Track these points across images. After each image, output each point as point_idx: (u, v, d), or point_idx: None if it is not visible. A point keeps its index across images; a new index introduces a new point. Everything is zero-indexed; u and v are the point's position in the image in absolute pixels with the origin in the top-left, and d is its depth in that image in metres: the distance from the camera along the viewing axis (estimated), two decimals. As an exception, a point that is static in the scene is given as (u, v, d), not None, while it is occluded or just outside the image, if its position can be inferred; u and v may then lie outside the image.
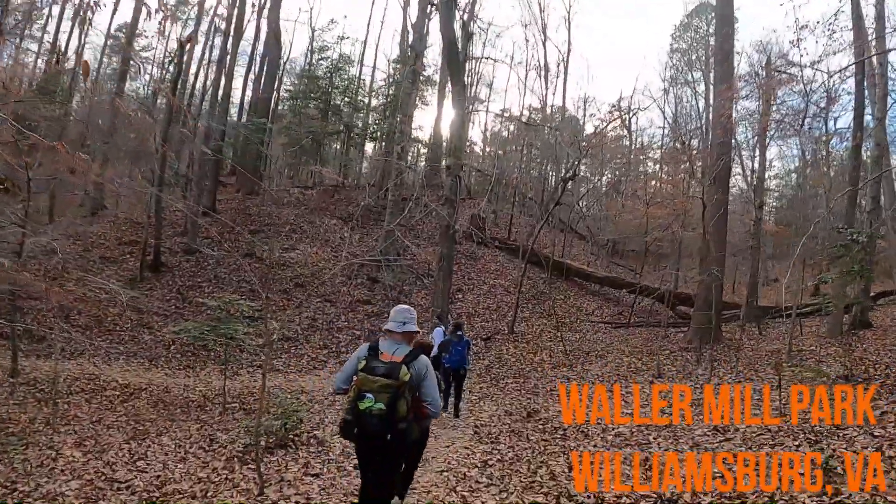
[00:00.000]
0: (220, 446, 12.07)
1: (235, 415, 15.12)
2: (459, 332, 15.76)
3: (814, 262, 37.83)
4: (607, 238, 47.39)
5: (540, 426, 13.53)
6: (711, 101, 35.43)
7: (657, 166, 54.81)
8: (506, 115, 56.20)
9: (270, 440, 11.66)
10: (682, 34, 55.63)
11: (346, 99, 46.85)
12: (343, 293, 27.67)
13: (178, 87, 32.58)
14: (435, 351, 14.05)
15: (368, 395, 5.84)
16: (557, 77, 53.74)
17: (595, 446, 11.37)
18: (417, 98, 44.41)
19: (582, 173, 31.16)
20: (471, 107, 45.93)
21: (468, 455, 11.49)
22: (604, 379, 19.04)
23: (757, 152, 35.77)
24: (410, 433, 6.03)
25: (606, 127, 33.19)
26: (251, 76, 45.61)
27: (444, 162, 34.83)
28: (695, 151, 38.52)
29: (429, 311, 23.80)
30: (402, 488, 7.99)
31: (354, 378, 6.05)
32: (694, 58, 52.57)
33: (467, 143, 50.18)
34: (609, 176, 55.88)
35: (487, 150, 61.33)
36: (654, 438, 11.37)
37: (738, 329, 23.55)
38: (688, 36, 54.27)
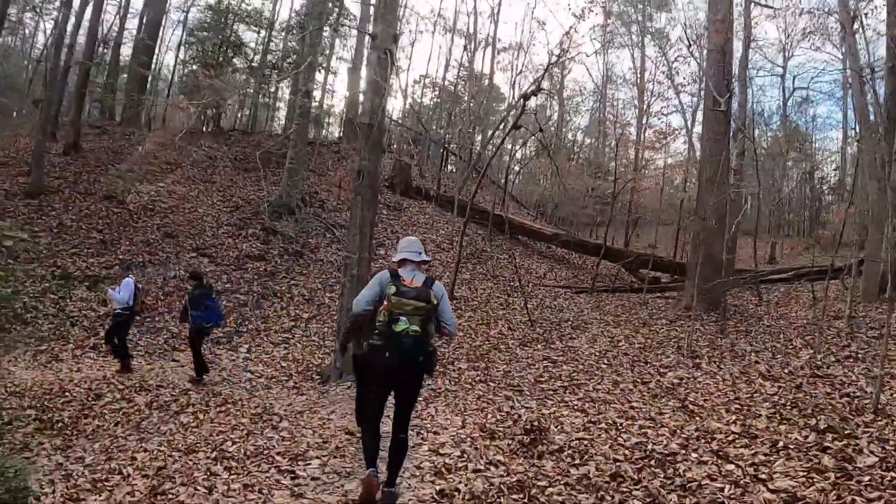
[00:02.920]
0: None
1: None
2: (205, 283, 13.32)
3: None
4: (549, 204, 42.71)
5: (578, 470, 6.51)
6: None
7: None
8: (427, 80, 50.33)
9: None
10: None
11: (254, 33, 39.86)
12: (228, 246, 20.16)
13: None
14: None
15: (403, 318, 5.60)
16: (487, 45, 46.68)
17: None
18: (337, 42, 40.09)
19: (545, 92, 24.39)
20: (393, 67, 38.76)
21: None
22: (610, 362, 12.44)
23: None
24: (436, 354, 6.09)
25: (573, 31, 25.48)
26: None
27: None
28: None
29: (340, 269, 17.28)
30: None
31: (385, 302, 5.65)
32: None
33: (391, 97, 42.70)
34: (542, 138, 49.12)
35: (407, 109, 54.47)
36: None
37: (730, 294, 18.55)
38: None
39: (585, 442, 7.22)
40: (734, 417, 7.75)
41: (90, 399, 10.83)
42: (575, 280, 24.75)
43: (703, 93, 21.54)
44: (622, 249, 26.43)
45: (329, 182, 24.69)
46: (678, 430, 7.46)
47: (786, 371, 10.26)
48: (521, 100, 18.67)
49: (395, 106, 50.59)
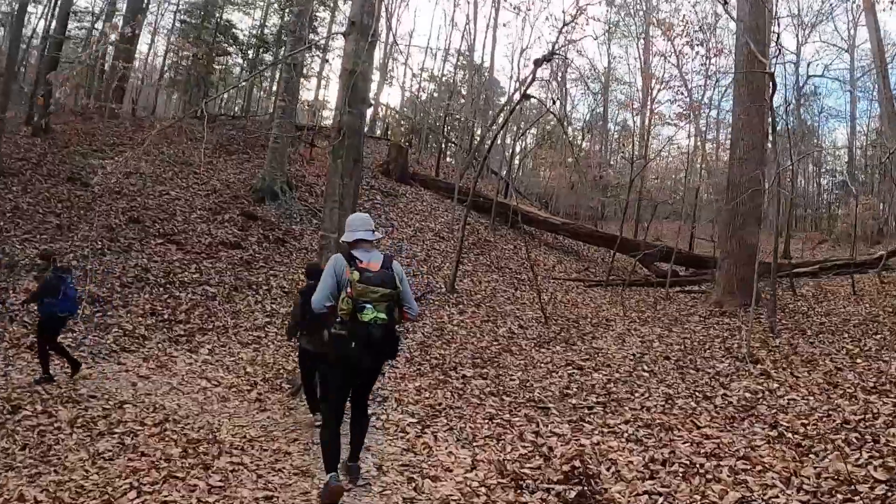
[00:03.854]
0: None
1: None
2: (59, 265, 11.15)
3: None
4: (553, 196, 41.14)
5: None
6: None
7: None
8: (426, 73, 47.16)
9: None
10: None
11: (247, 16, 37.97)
12: (200, 232, 17.62)
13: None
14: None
15: (368, 305, 5.23)
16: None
17: None
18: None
19: (559, 58, 21.88)
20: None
21: None
22: (651, 368, 10.06)
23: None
24: (401, 339, 5.96)
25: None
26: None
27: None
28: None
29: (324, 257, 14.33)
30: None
31: (348, 290, 5.24)
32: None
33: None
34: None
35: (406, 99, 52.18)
36: None
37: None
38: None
39: (660, 498, 4.74)
40: (865, 455, 5.30)
41: (4, 412, 8.34)
42: (586, 273, 22.37)
43: (734, 57, 18.89)
44: (637, 241, 23.82)
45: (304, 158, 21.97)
46: (792, 476, 5.03)
47: (884, 380, 7.84)
48: (534, 66, 16.18)
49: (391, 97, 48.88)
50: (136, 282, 14.55)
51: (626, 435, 6.70)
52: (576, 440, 6.49)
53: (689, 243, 27.87)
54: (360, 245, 5.59)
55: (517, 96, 19.77)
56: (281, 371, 10.74)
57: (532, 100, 17.32)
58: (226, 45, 35.41)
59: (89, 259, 15.03)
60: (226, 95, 39.61)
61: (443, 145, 36.81)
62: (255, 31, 37.25)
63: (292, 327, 8.63)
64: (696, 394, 8.20)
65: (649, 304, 16.88)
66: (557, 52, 15.98)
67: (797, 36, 37.58)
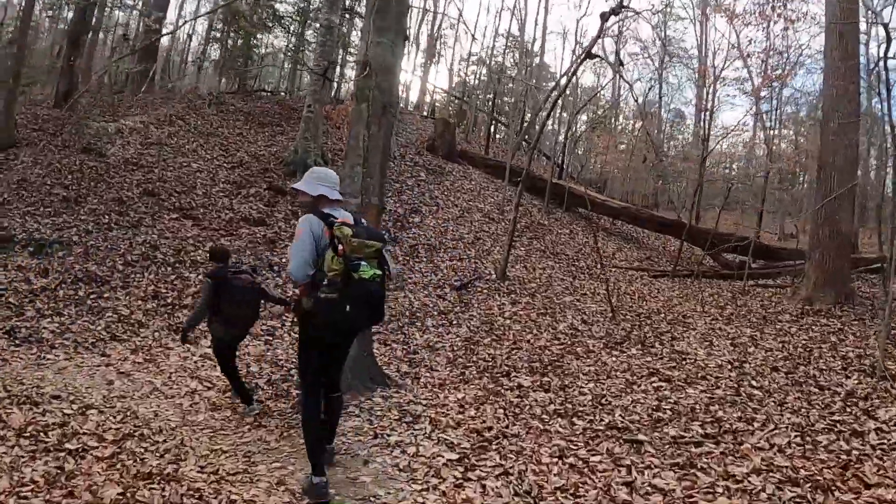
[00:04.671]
0: None
1: None
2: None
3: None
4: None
5: None
6: None
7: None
8: (474, 57, 45.96)
9: None
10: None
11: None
12: (220, 207, 15.75)
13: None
14: None
15: (363, 262, 4.69)
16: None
17: None
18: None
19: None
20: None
21: None
22: (759, 383, 7.78)
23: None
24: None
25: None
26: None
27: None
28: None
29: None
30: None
31: (340, 248, 4.63)
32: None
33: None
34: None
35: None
36: None
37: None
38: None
39: None
40: None
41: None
42: (649, 262, 20.15)
43: (825, 14, 16.25)
44: (707, 229, 21.42)
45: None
46: None
47: None
48: (601, 20, 13.90)
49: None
50: (141, 260, 12.79)
51: (764, 496, 4.50)
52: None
53: (756, 233, 25.41)
54: (324, 203, 5.02)
55: (564, 83, 17.50)
56: (293, 371, 8.68)
57: (596, 59, 14.81)
58: (267, 21, 33.54)
59: (92, 235, 13.29)
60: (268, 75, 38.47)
61: (491, 127, 34.48)
62: (297, 6, 35.26)
63: (193, 321, 7.48)
64: (839, 426, 5.98)
65: (726, 298, 14.62)
66: (625, 6, 13.61)
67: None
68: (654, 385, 7.64)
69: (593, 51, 14.73)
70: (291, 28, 34.61)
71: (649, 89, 42.67)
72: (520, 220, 17.98)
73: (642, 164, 34.74)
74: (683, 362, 8.75)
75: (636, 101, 24.81)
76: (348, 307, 4.60)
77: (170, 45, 38.62)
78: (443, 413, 6.66)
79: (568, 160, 34.32)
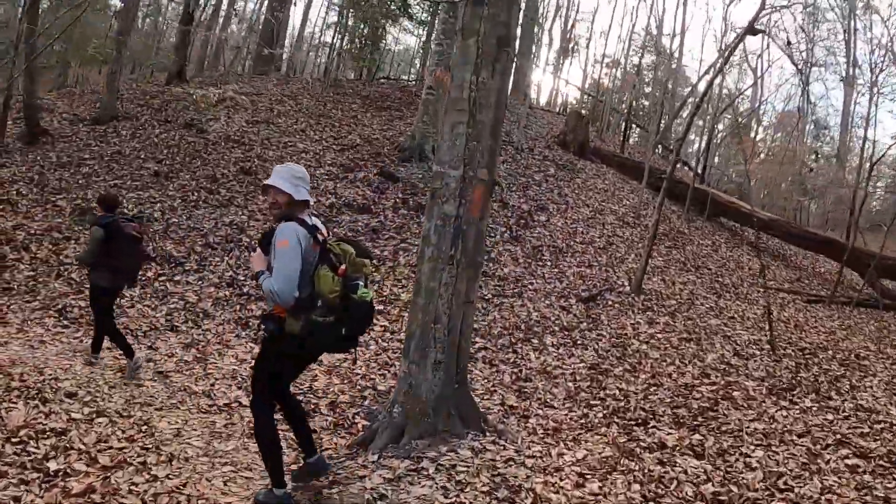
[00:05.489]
0: None
1: None
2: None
3: None
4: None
5: None
6: None
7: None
8: (608, 59, 43.72)
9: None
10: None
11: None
12: (323, 191, 14.24)
13: None
14: None
15: (360, 281, 4.21)
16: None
17: None
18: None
19: None
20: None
21: None
22: None
23: None
24: None
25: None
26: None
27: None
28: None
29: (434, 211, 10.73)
30: None
31: (342, 267, 4.09)
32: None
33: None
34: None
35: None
36: None
37: None
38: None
39: None
40: None
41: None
42: (799, 284, 17.42)
43: None
44: (869, 250, 18.58)
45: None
46: None
47: None
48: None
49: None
50: (224, 242, 11.50)
51: None
52: None
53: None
54: (303, 208, 4.30)
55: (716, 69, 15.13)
56: (368, 390, 6.92)
57: (759, 35, 12.63)
58: (396, 11, 32.37)
59: (176, 212, 12.18)
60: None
61: (626, 125, 32.08)
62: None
63: (85, 259, 7.18)
64: None
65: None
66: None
67: None
68: (847, 462, 5.48)
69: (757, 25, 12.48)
70: (421, 17, 33.29)
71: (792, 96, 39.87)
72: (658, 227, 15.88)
73: (791, 173, 31.92)
74: (876, 425, 6.51)
75: (805, 88, 22.02)
76: (344, 330, 4.15)
77: (298, 32, 37.98)
78: (554, 486, 4.66)
79: (707, 166, 31.93)
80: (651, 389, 7.42)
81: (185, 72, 23.23)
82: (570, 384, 7.61)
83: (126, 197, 12.55)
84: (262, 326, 4.35)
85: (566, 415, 6.63)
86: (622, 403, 6.94)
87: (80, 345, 7.92)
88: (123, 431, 5.31)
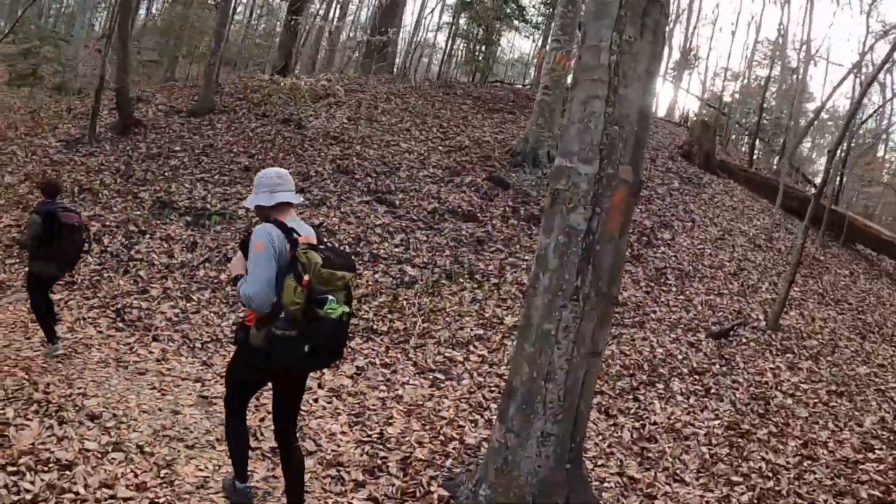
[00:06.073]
0: None
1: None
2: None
3: None
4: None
5: None
6: None
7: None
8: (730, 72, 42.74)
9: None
10: None
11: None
12: (425, 194, 12.98)
13: None
14: None
15: (331, 296, 3.65)
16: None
17: None
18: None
19: None
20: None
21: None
22: None
23: None
24: None
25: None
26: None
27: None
28: None
29: (556, 212, 9.34)
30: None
31: (306, 278, 3.59)
32: None
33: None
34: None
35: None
36: None
37: None
38: None
39: None
40: None
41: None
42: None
43: None
44: None
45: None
46: None
47: None
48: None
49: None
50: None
51: None
52: None
53: None
54: (284, 211, 3.97)
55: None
56: (453, 443, 5.72)
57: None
58: (511, 16, 31.26)
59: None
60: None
61: (753, 139, 30.02)
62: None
63: (25, 245, 7.02)
64: None
65: None
66: None
67: None
68: None
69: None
70: (536, 21, 32.02)
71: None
72: (789, 252, 14.17)
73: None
74: None
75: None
76: (307, 348, 3.62)
77: (409, 36, 37.46)
78: None
79: (840, 186, 29.65)
80: (805, 464, 5.96)
81: (290, 66, 23.01)
82: (705, 448, 6.16)
83: (211, 192, 11.88)
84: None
85: (701, 496, 5.22)
86: (771, 483, 5.49)
87: (129, 354, 7.05)
88: (137, 475, 4.43)
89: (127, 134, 14.85)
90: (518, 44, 36.04)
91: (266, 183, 3.97)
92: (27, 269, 7.15)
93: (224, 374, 4.94)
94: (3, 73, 23.54)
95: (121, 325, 7.92)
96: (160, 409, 5.61)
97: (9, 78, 22.08)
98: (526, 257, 11.06)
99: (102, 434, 4.93)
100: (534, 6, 31.75)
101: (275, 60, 24.83)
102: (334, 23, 32.91)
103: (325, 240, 4.07)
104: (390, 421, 6.00)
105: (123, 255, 9.61)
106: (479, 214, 12.44)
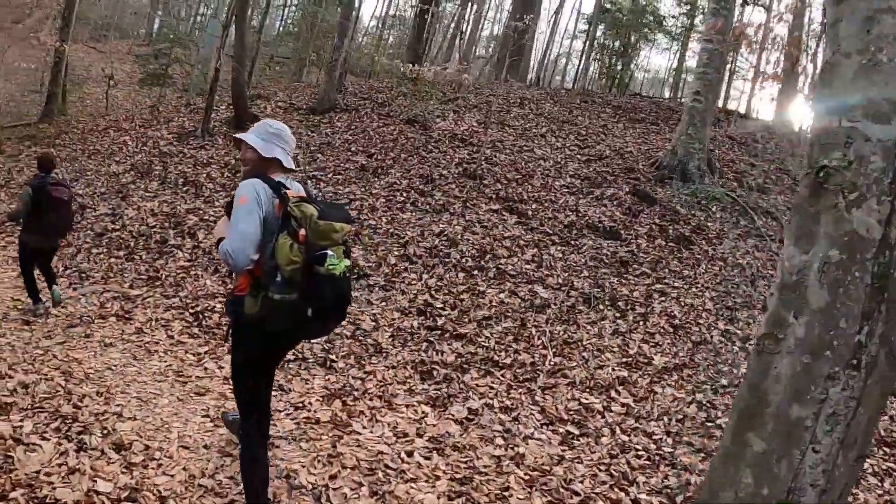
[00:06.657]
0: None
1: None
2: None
3: None
4: None
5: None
6: None
7: None
8: None
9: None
10: None
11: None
12: (561, 206, 11.41)
13: None
14: None
15: (331, 252, 3.24)
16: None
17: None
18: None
19: None
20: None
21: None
22: None
23: None
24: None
25: None
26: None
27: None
28: None
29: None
30: None
31: (301, 232, 3.21)
32: None
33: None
34: None
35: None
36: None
37: None
38: None
39: None
40: None
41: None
42: None
43: None
44: None
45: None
46: None
47: None
48: None
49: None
50: (427, 257, 9.16)
51: None
52: None
53: None
54: (276, 170, 3.51)
55: None
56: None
57: None
58: (647, 29, 29.73)
59: (376, 213, 10.33)
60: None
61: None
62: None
63: (14, 216, 7.27)
64: None
65: None
66: None
67: None
68: None
69: None
70: (675, 32, 30.31)
71: None
72: None
73: None
74: None
75: None
76: (310, 311, 3.19)
77: (546, 46, 36.34)
78: None
79: None
80: None
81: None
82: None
83: (322, 190, 10.83)
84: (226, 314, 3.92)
85: None
86: None
87: (195, 366, 5.94)
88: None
89: (242, 129, 13.94)
90: (654, 60, 34.54)
91: (277, 134, 3.51)
92: (18, 239, 7.51)
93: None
94: (137, 73, 24.33)
95: (196, 330, 6.88)
96: (206, 448, 4.31)
97: (140, 78, 22.38)
98: (675, 283, 9.25)
99: (123, 473, 3.81)
100: (673, 16, 30.11)
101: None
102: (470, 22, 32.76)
103: (315, 193, 3.63)
104: (505, 492, 4.38)
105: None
106: (622, 231, 10.73)
